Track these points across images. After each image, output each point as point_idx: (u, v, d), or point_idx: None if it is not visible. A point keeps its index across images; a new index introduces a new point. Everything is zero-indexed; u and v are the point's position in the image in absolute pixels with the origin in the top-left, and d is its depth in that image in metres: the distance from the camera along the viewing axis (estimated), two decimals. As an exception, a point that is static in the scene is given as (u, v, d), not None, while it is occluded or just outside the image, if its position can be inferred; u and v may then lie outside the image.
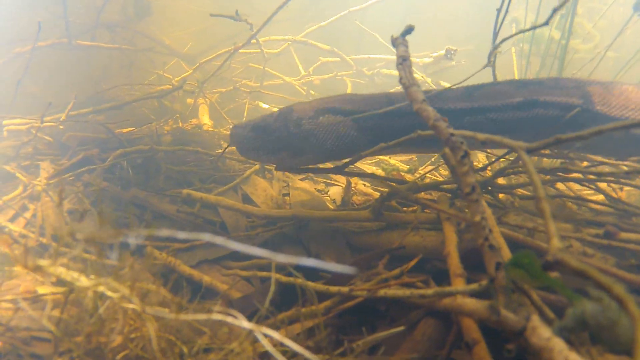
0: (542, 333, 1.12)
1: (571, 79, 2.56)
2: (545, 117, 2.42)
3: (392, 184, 2.64)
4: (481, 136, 1.55)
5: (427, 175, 3.01)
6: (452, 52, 4.08)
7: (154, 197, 2.97)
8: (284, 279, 1.94)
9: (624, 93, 2.43)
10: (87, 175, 3.23)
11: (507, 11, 2.64)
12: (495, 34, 2.53)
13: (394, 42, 1.91)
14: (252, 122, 2.58)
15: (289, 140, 2.46)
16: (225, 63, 3.73)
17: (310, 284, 1.90)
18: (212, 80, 4.42)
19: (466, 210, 2.41)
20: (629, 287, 1.31)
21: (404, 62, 1.81)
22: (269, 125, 2.51)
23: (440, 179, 3.23)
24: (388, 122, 2.43)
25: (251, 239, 2.64)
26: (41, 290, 2.41)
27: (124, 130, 3.86)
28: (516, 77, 4.38)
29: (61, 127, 3.58)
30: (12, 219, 3.00)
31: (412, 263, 2.13)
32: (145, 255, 2.52)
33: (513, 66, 4.14)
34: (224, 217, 2.82)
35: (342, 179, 3.42)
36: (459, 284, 1.72)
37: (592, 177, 2.47)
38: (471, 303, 1.37)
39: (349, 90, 4.76)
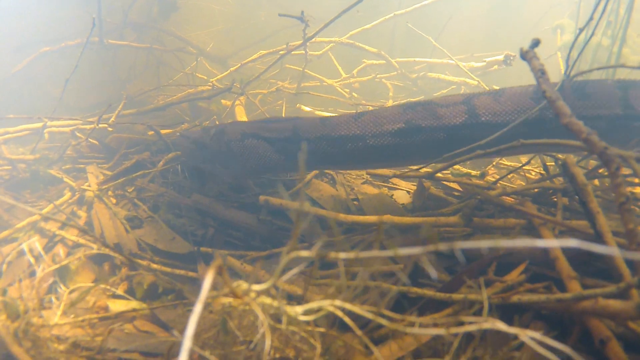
0: None
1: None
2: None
3: (480, 189, 2.53)
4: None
5: (500, 182, 2.91)
6: (511, 57, 4.01)
7: (219, 204, 2.81)
8: (400, 288, 1.81)
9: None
10: (140, 180, 3.05)
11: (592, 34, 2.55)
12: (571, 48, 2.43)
13: (525, 55, 1.86)
14: (193, 135, 2.98)
15: (221, 156, 2.87)
16: (272, 65, 3.58)
17: (428, 292, 1.79)
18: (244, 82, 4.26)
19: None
20: None
21: (542, 75, 1.75)
22: (205, 142, 2.92)
23: (512, 185, 3.13)
24: (294, 146, 2.72)
25: (332, 246, 2.50)
26: (113, 305, 2.24)
27: (163, 132, 3.69)
28: None
29: (110, 129, 3.39)
30: (62, 226, 2.82)
31: (521, 268, 2.04)
32: (226, 265, 2.36)
33: (560, 71, 4.07)
34: (298, 224, 2.67)
35: (402, 183, 3.29)
36: (574, 286, 1.72)
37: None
38: (617, 304, 1.44)
39: (390, 93, 4.66)
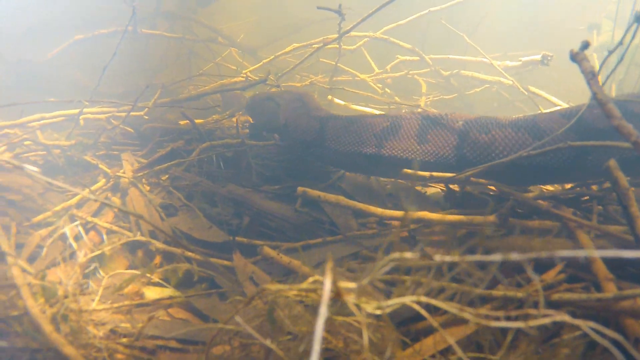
0: None
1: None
2: None
3: (516, 192, 2.48)
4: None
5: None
6: (549, 57, 3.92)
7: (255, 194, 2.79)
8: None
9: None
10: (174, 169, 3.05)
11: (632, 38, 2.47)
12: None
13: (575, 57, 1.84)
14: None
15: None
16: (306, 58, 3.56)
17: (468, 288, 1.76)
18: (278, 74, 4.25)
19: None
20: None
21: (593, 77, 1.73)
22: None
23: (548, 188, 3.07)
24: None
25: (367, 239, 2.48)
26: (148, 293, 2.24)
27: (197, 121, 3.69)
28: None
29: (146, 117, 3.40)
30: (96, 213, 2.83)
31: (558, 269, 2.00)
32: (262, 255, 2.34)
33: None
34: (332, 216, 2.65)
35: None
36: (610, 288, 1.75)
37: None
38: None
39: (423, 89, 4.60)
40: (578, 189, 2.56)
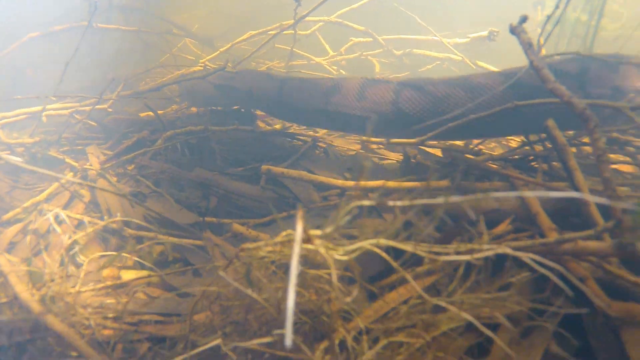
0: None
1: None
2: None
3: (466, 157, 2.68)
4: (600, 102, 1.96)
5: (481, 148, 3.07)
6: (495, 33, 4.14)
7: (221, 176, 2.92)
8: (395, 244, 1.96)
9: None
10: (140, 158, 3.14)
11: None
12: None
13: (514, 30, 2.07)
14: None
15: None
16: (264, 44, 3.66)
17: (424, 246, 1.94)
18: (236, 62, 4.34)
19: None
20: None
21: (530, 47, 1.95)
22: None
23: (493, 152, 3.29)
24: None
25: (329, 210, 2.64)
26: (125, 275, 2.35)
27: (160, 112, 3.76)
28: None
29: (110, 110, 3.46)
30: (66, 205, 2.91)
31: (507, 222, 2.21)
32: (231, 232, 2.48)
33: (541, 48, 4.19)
34: (295, 191, 2.80)
35: (390, 154, 3.43)
36: (553, 235, 1.91)
37: None
38: (594, 244, 1.64)
39: (377, 69, 4.78)
40: (525, 148, 2.76)
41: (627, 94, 2.79)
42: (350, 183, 2.70)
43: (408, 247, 1.26)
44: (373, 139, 2.94)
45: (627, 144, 2.77)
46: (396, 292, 1.83)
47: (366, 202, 1.24)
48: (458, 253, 1.26)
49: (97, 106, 3.26)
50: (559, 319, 1.57)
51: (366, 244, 1.28)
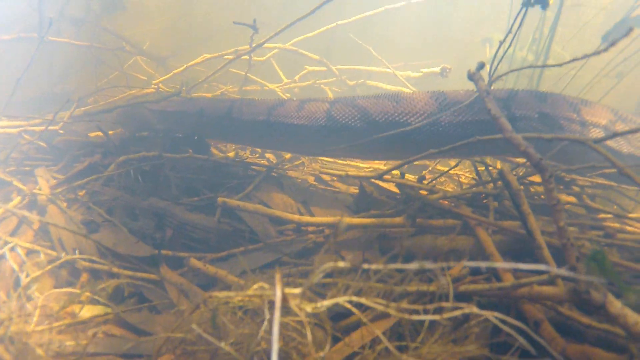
0: (617, 305, 1.47)
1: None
2: None
3: (423, 192, 2.82)
4: (547, 136, 2.01)
5: (434, 184, 3.23)
6: (447, 70, 4.35)
7: (176, 207, 2.92)
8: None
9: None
10: (92, 183, 3.09)
11: (509, 46, 2.91)
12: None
13: (472, 76, 2.15)
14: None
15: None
16: (220, 69, 3.69)
17: (379, 285, 2.04)
18: (190, 84, 4.33)
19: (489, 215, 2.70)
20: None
21: (487, 95, 2.03)
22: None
23: (446, 188, 3.46)
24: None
25: (286, 246, 2.70)
26: (82, 312, 2.31)
27: (110, 132, 3.70)
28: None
29: (61, 131, 3.38)
30: (14, 232, 2.83)
31: (461, 265, 2.34)
32: (188, 267, 2.50)
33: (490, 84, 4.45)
34: (251, 225, 2.85)
35: (343, 187, 3.54)
36: (508, 277, 2.03)
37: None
38: (549, 289, 1.72)
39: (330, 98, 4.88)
40: (475, 189, 2.92)
41: (557, 121, 3.05)
42: (307, 218, 2.79)
43: (380, 306, 1.35)
44: (331, 171, 3.08)
45: (572, 183, 3.00)
46: (359, 332, 1.91)
47: (341, 264, 1.32)
48: (426, 312, 1.36)
49: (49, 127, 3.18)
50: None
51: (341, 300, 1.36)
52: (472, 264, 1.17)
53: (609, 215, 2.82)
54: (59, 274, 2.57)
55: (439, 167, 3.81)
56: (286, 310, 1.62)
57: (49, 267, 2.11)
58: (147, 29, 6.22)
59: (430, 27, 6.71)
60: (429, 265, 1.25)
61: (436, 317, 1.33)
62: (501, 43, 2.92)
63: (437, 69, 4.45)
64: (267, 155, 4.00)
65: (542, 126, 3.06)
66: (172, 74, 4.50)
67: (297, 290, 1.26)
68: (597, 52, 2.23)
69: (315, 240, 2.77)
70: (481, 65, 2.35)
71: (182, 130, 3.84)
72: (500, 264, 1.33)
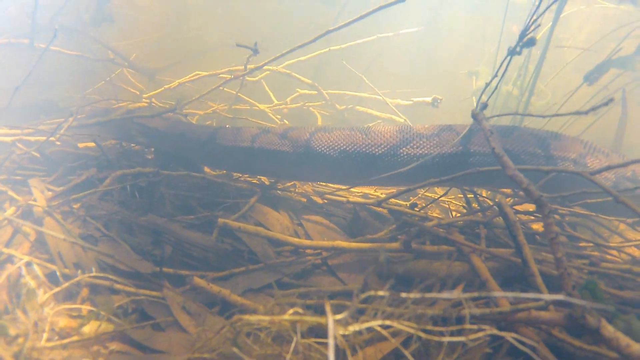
0: (610, 329, 1.62)
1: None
2: None
3: (417, 221, 2.93)
4: (545, 168, 2.24)
5: (425, 211, 3.35)
6: (439, 100, 4.52)
7: (174, 224, 2.94)
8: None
9: None
10: (89, 197, 3.08)
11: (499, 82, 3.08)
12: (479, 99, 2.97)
13: (476, 116, 2.29)
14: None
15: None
16: (215, 88, 3.74)
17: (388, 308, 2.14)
18: (183, 101, 4.35)
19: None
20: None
21: (492, 134, 2.18)
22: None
23: (434, 214, 3.59)
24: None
25: (286, 267, 2.76)
26: (85, 327, 2.30)
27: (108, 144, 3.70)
28: None
29: (58, 143, 3.34)
30: (9, 243, 2.79)
31: (460, 289, 2.46)
32: (191, 285, 2.52)
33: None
34: (251, 245, 2.90)
35: (337, 211, 3.62)
36: (504, 303, 2.11)
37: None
38: (546, 314, 1.85)
39: (319, 122, 4.98)
40: (466, 217, 3.06)
41: (518, 156, 3.25)
42: (306, 242, 2.86)
43: (411, 329, 1.43)
44: (333, 197, 3.19)
45: (554, 212, 3.17)
46: (374, 347, 1.98)
47: (380, 292, 1.40)
48: (452, 334, 1.46)
49: (39, 137, 3.16)
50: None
51: (375, 324, 1.44)
52: (486, 294, 1.27)
53: (590, 244, 3.00)
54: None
55: (427, 194, 3.94)
56: (314, 332, 1.69)
57: (67, 284, 2.11)
58: (136, 41, 6.18)
59: (419, 57, 6.94)
60: (464, 295, 1.35)
61: (462, 338, 1.43)
62: (487, 84, 3.07)
63: (428, 99, 4.62)
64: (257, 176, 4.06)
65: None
66: (163, 88, 4.51)
67: (341, 316, 1.33)
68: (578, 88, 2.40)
69: (314, 262, 2.85)
70: (484, 106, 2.50)
71: (164, 147, 3.90)
72: (501, 293, 1.45)
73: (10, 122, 3.52)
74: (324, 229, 3.22)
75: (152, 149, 3.94)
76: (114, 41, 5.68)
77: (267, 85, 5.30)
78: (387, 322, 1.43)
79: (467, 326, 1.48)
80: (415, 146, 3.28)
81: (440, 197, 3.33)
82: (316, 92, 5.17)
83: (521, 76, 4.37)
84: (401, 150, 3.29)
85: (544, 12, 2.55)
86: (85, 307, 2.18)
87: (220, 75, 4.45)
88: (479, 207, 3.26)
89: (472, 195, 3.33)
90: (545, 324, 1.91)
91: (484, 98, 3.30)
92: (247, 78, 4.67)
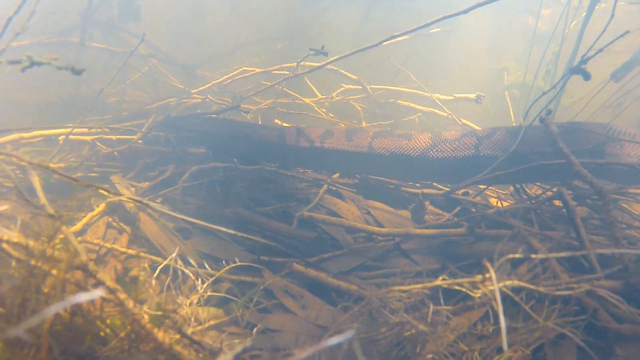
0: None
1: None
2: None
3: (480, 209, 3.18)
4: (600, 161, 2.88)
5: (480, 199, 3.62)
6: (482, 97, 4.75)
7: (260, 216, 3.14)
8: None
9: None
10: (172, 192, 3.24)
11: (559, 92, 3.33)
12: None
13: (544, 121, 2.61)
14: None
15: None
16: (274, 84, 3.89)
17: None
18: (222, 95, 4.50)
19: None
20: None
21: (558, 136, 2.51)
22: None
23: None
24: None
25: (367, 251, 2.99)
26: (202, 313, 2.48)
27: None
28: (512, 116, 5.19)
29: (140, 142, 3.49)
30: (104, 238, 2.95)
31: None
32: (289, 270, 2.72)
33: (508, 106, 4.93)
34: (332, 233, 3.11)
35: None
36: (564, 276, 2.33)
37: None
38: (608, 283, 2.21)
39: (361, 115, 5.15)
40: (520, 204, 3.31)
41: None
42: (383, 230, 3.08)
43: (541, 288, 1.67)
44: (410, 190, 3.46)
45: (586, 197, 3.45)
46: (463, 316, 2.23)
47: (517, 255, 1.63)
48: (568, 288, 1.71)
49: (119, 136, 3.32)
50: None
51: (515, 284, 1.67)
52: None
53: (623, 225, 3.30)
54: (159, 279, 2.73)
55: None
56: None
57: (218, 273, 2.29)
58: (170, 36, 6.26)
59: (453, 54, 7.13)
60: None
61: (569, 292, 1.67)
62: (544, 93, 3.30)
63: (472, 95, 4.84)
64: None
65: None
66: (210, 84, 4.65)
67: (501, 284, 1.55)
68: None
69: (388, 247, 3.08)
70: (549, 112, 2.78)
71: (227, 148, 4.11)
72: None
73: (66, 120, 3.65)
74: (391, 216, 3.44)
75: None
76: (150, 36, 5.72)
77: (308, 79, 5.44)
78: (517, 283, 1.65)
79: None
80: (442, 150, 3.68)
81: (488, 186, 3.59)
82: (360, 87, 5.34)
83: (549, 72, 4.62)
84: (430, 154, 3.68)
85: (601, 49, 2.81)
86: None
87: (274, 72, 4.60)
88: (526, 197, 3.53)
89: (519, 187, 3.62)
90: (609, 289, 2.15)
91: (515, 92, 3.56)
92: (287, 72, 4.81)
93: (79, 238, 2.89)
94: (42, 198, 2.41)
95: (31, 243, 1.74)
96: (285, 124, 4.69)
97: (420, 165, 3.76)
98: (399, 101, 5.37)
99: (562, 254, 2.31)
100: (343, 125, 3.64)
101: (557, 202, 3.54)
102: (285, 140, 3.98)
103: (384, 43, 3.35)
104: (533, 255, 1.85)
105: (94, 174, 3.46)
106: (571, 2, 4.93)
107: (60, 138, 3.37)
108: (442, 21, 3.28)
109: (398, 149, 3.77)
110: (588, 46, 3.08)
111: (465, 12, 3.11)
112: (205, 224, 3.06)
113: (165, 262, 2.16)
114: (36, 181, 2.83)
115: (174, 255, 2.05)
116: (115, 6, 5.46)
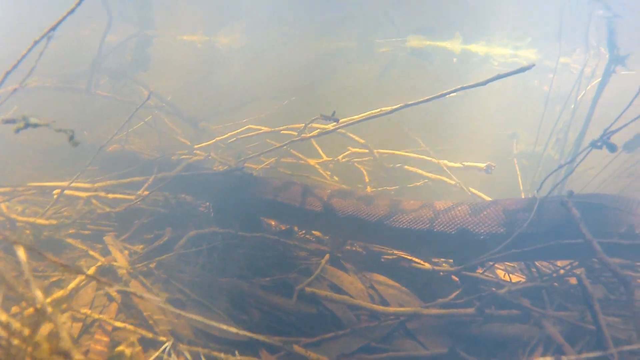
0: None
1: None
2: None
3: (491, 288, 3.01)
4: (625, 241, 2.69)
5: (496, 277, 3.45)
6: (492, 167, 4.64)
7: (259, 289, 2.96)
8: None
9: None
10: (166, 258, 3.07)
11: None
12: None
13: (565, 204, 2.60)
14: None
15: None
16: (280, 147, 3.77)
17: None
18: (226, 150, 4.39)
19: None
20: None
21: (581, 221, 2.44)
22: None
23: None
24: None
25: (371, 331, 2.80)
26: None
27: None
28: (520, 185, 5.09)
29: (137, 202, 3.34)
30: (92, 305, 2.78)
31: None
32: (286, 352, 2.53)
33: (517, 172, 4.86)
34: (333, 309, 2.92)
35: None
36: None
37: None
38: None
39: (366, 179, 5.03)
40: (532, 283, 3.15)
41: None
42: (389, 309, 2.90)
43: None
44: (419, 266, 3.27)
45: None
46: None
47: None
48: None
49: (114, 195, 3.18)
50: None
51: None
52: None
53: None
54: (148, 354, 2.54)
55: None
56: None
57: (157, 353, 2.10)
58: (169, 87, 6.21)
59: (465, 116, 7.13)
60: None
61: None
62: (560, 166, 3.21)
63: (482, 165, 4.73)
64: (314, 233, 4.10)
65: None
66: (214, 140, 4.55)
67: None
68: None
69: (391, 325, 2.90)
70: (571, 193, 2.68)
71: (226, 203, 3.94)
72: None
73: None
74: (396, 292, 3.26)
75: (208, 204, 3.96)
76: (156, 85, 5.69)
77: (313, 140, 5.34)
78: None
79: None
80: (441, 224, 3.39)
81: (495, 261, 3.44)
82: (367, 150, 5.23)
83: (560, 140, 4.56)
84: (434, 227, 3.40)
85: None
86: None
87: (283, 132, 4.53)
88: (537, 274, 3.37)
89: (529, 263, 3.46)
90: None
91: (524, 162, 3.45)
92: (304, 135, 4.72)
93: (64, 305, 2.71)
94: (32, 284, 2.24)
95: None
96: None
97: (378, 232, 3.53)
98: (406, 167, 5.26)
99: (592, 354, 2.15)
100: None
101: (571, 280, 3.39)
102: (285, 200, 3.80)
103: (396, 110, 3.24)
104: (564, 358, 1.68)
105: (86, 232, 3.30)
106: (584, 72, 4.93)
107: (54, 192, 3.22)
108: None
109: (355, 211, 3.55)
110: (600, 115, 3.01)
111: (483, 84, 3.03)
112: (200, 298, 2.91)
113: (156, 354, 1.97)
114: (24, 262, 2.67)
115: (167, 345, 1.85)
116: (128, 53, 5.45)
